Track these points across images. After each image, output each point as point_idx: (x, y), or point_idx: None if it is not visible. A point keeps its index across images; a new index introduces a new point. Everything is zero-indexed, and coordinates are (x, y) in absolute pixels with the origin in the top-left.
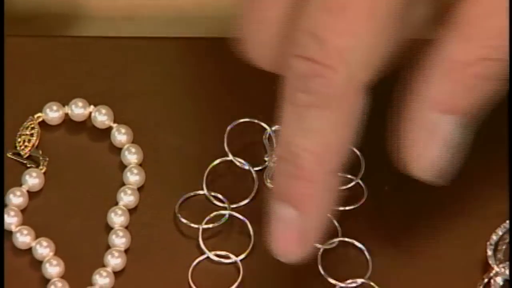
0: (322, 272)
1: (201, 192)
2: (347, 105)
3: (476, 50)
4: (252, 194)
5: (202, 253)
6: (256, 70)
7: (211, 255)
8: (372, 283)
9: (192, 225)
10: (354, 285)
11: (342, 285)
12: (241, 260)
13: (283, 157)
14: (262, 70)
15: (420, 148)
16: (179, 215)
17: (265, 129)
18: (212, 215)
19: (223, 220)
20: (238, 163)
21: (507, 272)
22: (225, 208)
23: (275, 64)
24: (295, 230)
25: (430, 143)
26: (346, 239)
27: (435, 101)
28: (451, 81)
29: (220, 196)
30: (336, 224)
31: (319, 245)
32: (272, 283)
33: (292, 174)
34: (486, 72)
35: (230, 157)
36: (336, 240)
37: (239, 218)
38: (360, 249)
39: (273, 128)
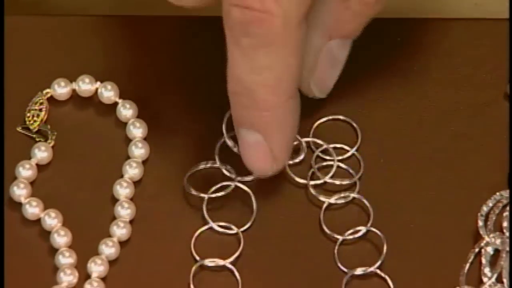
0: (325, 227)
1: (208, 165)
2: (290, 40)
3: None
4: None
5: (206, 223)
6: None
7: (215, 225)
8: (374, 229)
9: (198, 194)
10: (352, 236)
11: (342, 238)
12: (242, 232)
13: (238, 92)
14: None
15: (319, 71)
16: (187, 185)
17: None
18: (218, 185)
19: (228, 189)
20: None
21: (498, 241)
22: (231, 179)
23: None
24: (262, 151)
25: (326, 66)
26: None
27: (327, 28)
28: (339, 9)
29: (228, 167)
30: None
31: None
32: (272, 255)
33: (250, 106)
34: None
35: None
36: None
37: (244, 190)
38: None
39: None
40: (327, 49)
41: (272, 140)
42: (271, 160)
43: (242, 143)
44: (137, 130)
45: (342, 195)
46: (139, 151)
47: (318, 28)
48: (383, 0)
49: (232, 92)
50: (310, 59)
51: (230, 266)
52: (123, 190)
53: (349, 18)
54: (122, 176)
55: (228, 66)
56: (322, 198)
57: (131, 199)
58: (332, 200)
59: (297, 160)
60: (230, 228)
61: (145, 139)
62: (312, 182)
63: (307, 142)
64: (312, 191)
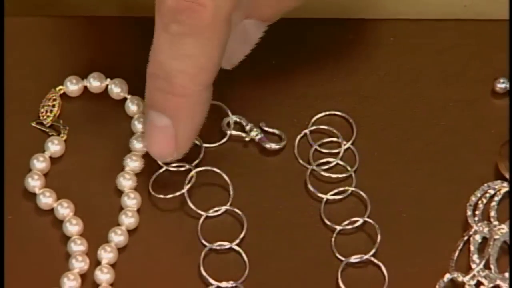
0: (324, 218)
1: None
2: (217, 33)
3: None
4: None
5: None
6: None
7: (210, 213)
8: (370, 220)
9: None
10: (351, 226)
11: (339, 227)
12: (246, 217)
13: (156, 74)
14: None
15: (230, 45)
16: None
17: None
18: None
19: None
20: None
21: (485, 230)
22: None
23: None
24: (168, 136)
25: (237, 41)
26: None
27: (246, 8)
28: None
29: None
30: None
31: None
32: (274, 243)
33: (166, 89)
34: None
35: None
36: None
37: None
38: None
39: (234, 119)
40: (242, 26)
41: (180, 126)
42: (174, 147)
43: (150, 125)
44: (141, 125)
45: (341, 189)
46: (139, 145)
47: (239, 6)
48: None
49: (151, 74)
50: None
51: (236, 247)
52: (126, 182)
53: (271, 3)
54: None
55: (152, 49)
56: (320, 195)
57: (135, 189)
58: (330, 196)
59: (277, 147)
60: (234, 212)
61: None
62: (314, 167)
63: (305, 136)
64: (311, 187)
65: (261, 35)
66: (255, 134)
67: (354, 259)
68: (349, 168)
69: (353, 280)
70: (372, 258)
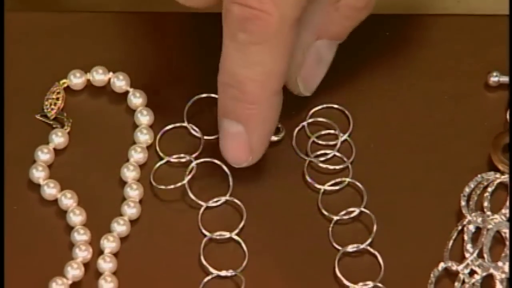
0: (321, 208)
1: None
2: (283, 40)
3: None
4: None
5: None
6: None
7: (210, 203)
8: (366, 210)
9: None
10: (347, 216)
11: (337, 218)
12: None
13: (228, 83)
14: None
15: (305, 69)
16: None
17: None
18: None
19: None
20: (192, 130)
21: (479, 220)
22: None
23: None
24: (242, 142)
25: (312, 65)
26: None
27: (316, 29)
28: (329, 11)
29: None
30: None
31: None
32: (272, 232)
33: (237, 97)
34: (359, 4)
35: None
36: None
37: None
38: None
39: None
40: (315, 48)
41: (253, 132)
42: (249, 152)
43: (224, 133)
44: (144, 118)
45: (338, 180)
46: (144, 136)
47: (308, 27)
48: (371, 6)
49: (222, 83)
50: (298, 56)
51: (236, 237)
52: (130, 173)
53: (338, 21)
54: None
55: (222, 58)
56: (317, 186)
57: (138, 180)
58: (327, 186)
59: (276, 139)
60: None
61: (151, 126)
62: (312, 158)
63: (303, 128)
64: (308, 178)
65: (333, 55)
66: None
67: (350, 248)
68: (345, 160)
69: (350, 269)
70: (368, 248)
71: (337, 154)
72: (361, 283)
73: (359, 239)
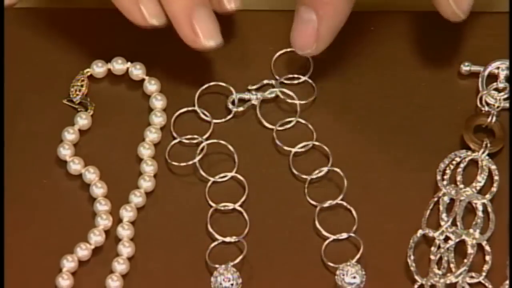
0: (293, 170)
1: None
2: None
3: None
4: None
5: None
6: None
7: (216, 178)
8: (336, 169)
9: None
10: (321, 174)
11: (309, 177)
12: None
13: None
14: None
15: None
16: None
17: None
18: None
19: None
20: (202, 114)
21: (453, 192)
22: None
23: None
24: (310, 29)
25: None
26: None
27: None
28: None
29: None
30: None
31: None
32: (258, 194)
33: None
34: None
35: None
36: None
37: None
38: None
39: (238, 96)
40: None
41: (323, 21)
42: (314, 40)
43: (296, 18)
44: (158, 102)
45: (306, 143)
46: (158, 119)
47: None
48: None
49: None
50: None
51: (239, 208)
52: (145, 151)
53: None
54: (144, 140)
55: None
56: (286, 148)
57: (153, 158)
58: (296, 149)
59: (269, 96)
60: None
61: (164, 110)
62: (279, 128)
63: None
64: (278, 142)
65: None
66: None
67: (326, 204)
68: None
69: (328, 224)
70: (344, 203)
71: (302, 121)
72: (338, 234)
73: (333, 196)
